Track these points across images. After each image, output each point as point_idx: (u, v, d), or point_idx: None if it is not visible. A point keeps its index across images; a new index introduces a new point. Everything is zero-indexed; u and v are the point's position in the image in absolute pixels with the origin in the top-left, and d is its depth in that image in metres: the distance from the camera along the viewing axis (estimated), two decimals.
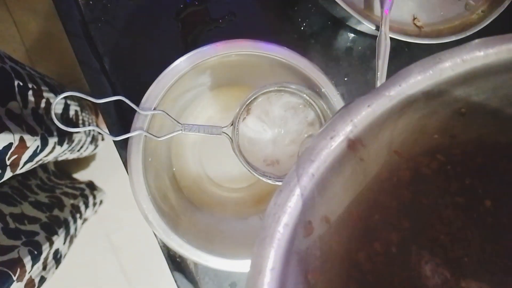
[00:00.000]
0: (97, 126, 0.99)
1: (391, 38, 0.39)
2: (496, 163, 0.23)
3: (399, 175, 0.23)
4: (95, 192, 1.00)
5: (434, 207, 0.23)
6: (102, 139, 1.00)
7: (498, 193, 0.23)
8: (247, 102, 0.37)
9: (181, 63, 0.36)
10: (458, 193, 0.23)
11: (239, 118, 0.37)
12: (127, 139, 0.35)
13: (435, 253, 0.22)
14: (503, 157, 0.22)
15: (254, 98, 0.37)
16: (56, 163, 1.02)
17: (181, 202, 0.42)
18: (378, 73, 0.38)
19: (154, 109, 0.35)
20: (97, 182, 1.08)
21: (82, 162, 1.11)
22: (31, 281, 0.57)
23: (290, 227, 0.17)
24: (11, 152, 0.48)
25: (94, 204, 0.97)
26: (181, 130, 0.36)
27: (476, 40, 0.17)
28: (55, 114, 0.64)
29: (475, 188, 0.23)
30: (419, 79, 0.18)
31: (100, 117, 1.01)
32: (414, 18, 0.43)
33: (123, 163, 0.41)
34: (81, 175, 1.11)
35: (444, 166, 0.23)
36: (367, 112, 0.18)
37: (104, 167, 1.12)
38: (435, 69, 0.17)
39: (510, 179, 0.23)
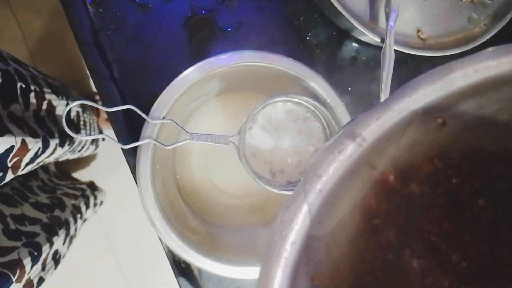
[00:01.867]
0: (99, 126, 0.99)
1: (395, 50, 0.39)
2: (490, 167, 0.22)
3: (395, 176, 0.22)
4: (96, 193, 1.00)
5: (423, 207, 0.22)
6: (103, 140, 1.00)
7: (491, 194, 0.22)
8: (254, 112, 0.38)
9: (190, 73, 0.36)
10: (445, 193, 0.22)
11: (246, 127, 0.37)
12: (135, 146, 0.35)
13: (428, 258, 0.22)
14: (497, 162, 0.22)
15: (261, 108, 0.38)
16: (57, 163, 1.02)
17: (186, 209, 0.43)
18: (382, 85, 0.39)
19: (163, 118, 0.36)
20: (97, 182, 1.08)
21: (83, 162, 1.11)
22: (29, 282, 0.57)
23: (297, 245, 0.17)
24: (13, 155, 0.48)
25: (95, 205, 0.97)
26: (189, 139, 0.36)
27: (489, 49, 0.17)
28: (61, 119, 0.65)
29: (463, 188, 0.22)
30: (429, 90, 0.17)
31: (101, 118, 1.01)
32: (418, 31, 0.44)
33: (131, 170, 0.41)
34: (81, 175, 1.11)
35: (438, 170, 0.22)
36: (376, 125, 0.17)
37: (104, 167, 1.12)
38: (446, 80, 0.17)
39: (502, 182, 0.22)
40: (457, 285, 0.21)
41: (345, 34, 0.46)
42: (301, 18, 0.46)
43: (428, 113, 0.18)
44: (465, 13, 0.45)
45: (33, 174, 0.79)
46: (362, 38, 0.45)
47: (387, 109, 0.17)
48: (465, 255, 0.21)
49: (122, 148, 0.36)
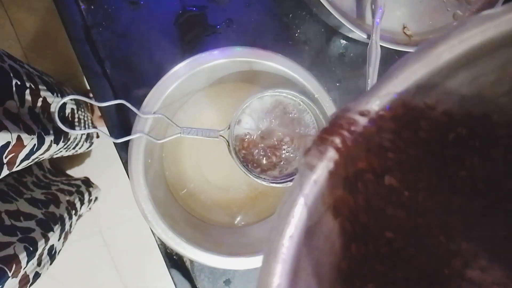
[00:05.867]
0: (93, 123, 0.99)
1: (381, 46, 0.40)
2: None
3: None
4: (91, 189, 1.00)
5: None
6: (97, 137, 1.00)
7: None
8: (243, 107, 0.38)
9: (180, 69, 0.37)
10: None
11: (235, 122, 0.38)
12: (127, 140, 0.36)
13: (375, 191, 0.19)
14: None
15: (250, 103, 0.39)
16: (51, 160, 1.02)
17: (177, 204, 0.44)
18: (369, 80, 0.40)
19: (154, 112, 0.37)
20: (91, 179, 1.08)
21: (77, 159, 1.11)
22: (25, 277, 0.58)
23: (295, 239, 0.16)
24: (8, 151, 0.49)
25: (90, 201, 0.98)
26: (180, 133, 0.37)
27: (484, 12, 0.16)
28: (54, 114, 0.65)
29: None
30: (415, 68, 0.16)
31: (96, 115, 1.01)
32: (404, 27, 0.45)
33: (123, 164, 0.42)
34: (76, 172, 1.12)
35: None
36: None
37: (98, 163, 1.12)
38: (431, 55, 0.16)
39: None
40: (437, 232, 0.19)
41: (333, 31, 0.47)
42: (290, 15, 0.47)
43: (418, 93, 0.17)
44: (450, 10, 0.46)
45: (27, 170, 0.79)
46: (350, 35, 0.46)
47: (375, 92, 0.17)
48: (429, 191, 0.19)
49: (114, 143, 0.37)
